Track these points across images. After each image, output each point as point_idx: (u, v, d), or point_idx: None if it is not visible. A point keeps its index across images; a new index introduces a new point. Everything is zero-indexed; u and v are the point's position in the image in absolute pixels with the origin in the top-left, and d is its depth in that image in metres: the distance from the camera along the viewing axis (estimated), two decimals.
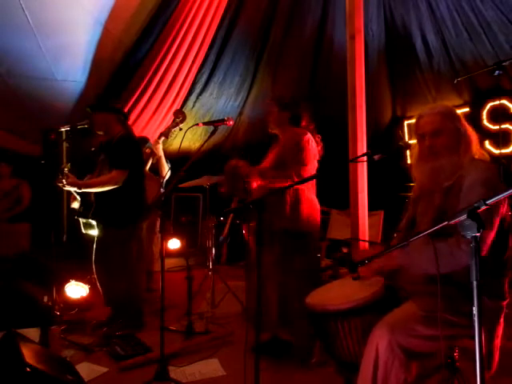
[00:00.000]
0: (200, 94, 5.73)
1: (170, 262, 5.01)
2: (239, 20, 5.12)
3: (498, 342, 1.64)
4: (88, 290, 3.63)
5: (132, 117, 4.99)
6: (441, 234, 1.51)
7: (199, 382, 2.47)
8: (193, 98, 5.72)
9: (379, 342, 1.56)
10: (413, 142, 1.96)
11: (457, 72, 5.26)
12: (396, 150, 2.10)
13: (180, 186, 4.00)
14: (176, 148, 5.86)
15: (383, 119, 6.61)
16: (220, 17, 4.88)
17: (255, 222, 2.91)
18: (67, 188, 3.18)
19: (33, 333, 2.52)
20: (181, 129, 4.01)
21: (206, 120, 5.89)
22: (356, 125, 3.39)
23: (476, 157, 1.75)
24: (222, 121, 2.63)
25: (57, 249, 3.49)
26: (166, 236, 5.44)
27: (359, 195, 3.40)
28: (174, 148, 5.93)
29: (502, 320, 1.66)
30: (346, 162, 2.97)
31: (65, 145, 4.35)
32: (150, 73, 4.88)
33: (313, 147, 2.71)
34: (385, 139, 6.49)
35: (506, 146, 5.07)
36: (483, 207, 1.12)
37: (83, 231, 3.38)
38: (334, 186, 3.89)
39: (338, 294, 1.87)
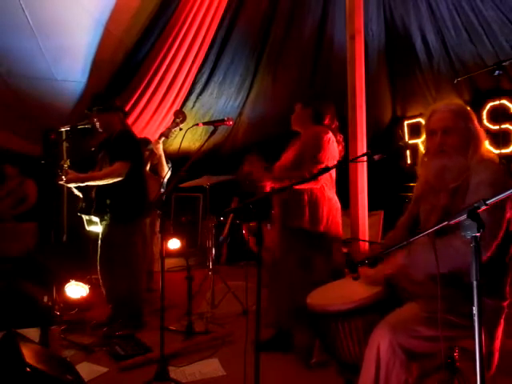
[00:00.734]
0: (200, 94, 5.73)
1: (169, 262, 5.00)
2: (239, 20, 5.12)
3: (498, 342, 1.63)
4: (88, 290, 3.63)
5: (132, 117, 4.99)
6: (444, 233, 1.51)
7: (199, 382, 2.47)
8: (193, 97, 5.71)
9: (380, 343, 1.55)
10: (412, 142, 1.96)
11: (457, 72, 5.26)
12: (396, 150, 2.11)
13: (180, 185, 4.00)
14: (176, 148, 5.85)
15: (383, 119, 6.61)
16: (220, 17, 4.88)
17: (272, 223, 2.92)
18: (69, 185, 3.18)
19: (33, 333, 2.51)
20: (181, 129, 4.01)
21: (206, 120, 5.89)
22: (356, 125, 3.39)
23: (485, 157, 1.72)
24: (222, 121, 2.63)
25: (57, 249, 3.49)
26: (165, 236, 5.43)
27: (359, 195, 3.40)
28: (173, 148, 5.92)
29: (502, 321, 1.66)
30: (346, 161, 2.97)
31: (65, 145, 4.35)
32: (151, 73, 4.88)
33: (333, 147, 2.68)
34: (385, 139, 6.49)
35: (506, 145, 5.07)
36: (483, 207, 1.12)
37: (86, 228, 3.38)
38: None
39: (339, 294, 1.87)
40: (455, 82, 4.30)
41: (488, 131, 5.23)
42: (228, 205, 5.40)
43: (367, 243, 3.39)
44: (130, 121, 4.52)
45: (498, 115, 5.06)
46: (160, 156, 4.13)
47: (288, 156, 2.81)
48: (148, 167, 4.15)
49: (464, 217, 1.12)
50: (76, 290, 3.62)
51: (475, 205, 1.12)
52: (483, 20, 4.70)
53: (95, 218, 3.25)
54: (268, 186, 2.71)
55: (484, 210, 1.12)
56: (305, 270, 2.61)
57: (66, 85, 4.79)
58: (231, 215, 5.49)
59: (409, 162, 6.24)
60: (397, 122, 6.56)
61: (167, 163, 4.23)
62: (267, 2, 5.05)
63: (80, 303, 3.60)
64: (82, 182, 3.16)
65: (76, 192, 3.34)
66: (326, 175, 2.67)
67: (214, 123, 2.64)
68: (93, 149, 3.52)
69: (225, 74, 5.62)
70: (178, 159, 4.27)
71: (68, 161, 3.14)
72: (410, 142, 6.25)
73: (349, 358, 1.73)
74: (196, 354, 2.80)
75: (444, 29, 5.04)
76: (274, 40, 5.44)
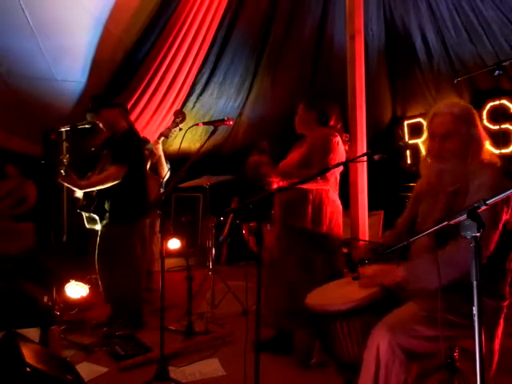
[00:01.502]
0: (200, 94, 5.73)
1: (169, 262, 5.00)
2: (239, 20, 5.12)
3: (497, 342, 1.64)
4: (88, 290, 3.63)
5: (132, 117, 4.98)
6: (442, 234, 1.51)
7: (199, 382, 2.47)
8: (193, 98, 5.71)
9: (380, 343, 1.55)
10: (412, 142, 1.96)
11: (457, 72, 5.26)
12: (396, 150, 2.11)
13: (180, 185, 4.00)
14: (176, 148, 5.85)
15: (383, 119, 6.61)
16: (220, 17, 4.88)
17: (273, 224, 2.92)
18: (67, 184, 3.17)
19: (33, 333, 2.51)
20: (180, 129, 4.01)
21: (206, 120, 5.89)
22: (356, 125, 3.39)
23: (486, 161, 1.70)
24: (222, 121, 2.62)
25: (57, 249, 3.49)
26: (165, 236, 5.43)
27: (359, 195, 3.40)
28: (173, 148, 5.92)
29: (502, 321, 1.66)
30: (346, 162, 2.97)
31: (65, 145, 4.35)
32: (151, 73, 4.87)
33: (340, 149, 2.70)
34: (385, 139, 6.49)
35: (506, 146, 5.07)
36: (483, 207, 1.12)
37: (86, 226, 3.38)
38: None
39: (338, 294, 1.87)
40: (455, 82, 4.29)
41: (488, 131, 5.23)
42: (228, 205, 5.40)
43: (367, 243, 3.39)
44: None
45: (498, 115, 5.06)
46: (160, 156, 4.13)
47: (293, 157, 2.81)
48: (148, 167, 4.14)
49: (464, 217, 1.12)
50: (76, 289, 3.62)
51: (475, 205, 1.12)
52: (483, 20, 4.70)
53: (95, 216, 3.25)
54: (275, 182, 2.70)
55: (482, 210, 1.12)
56: (305, 271, 2.61)
57: (65, 85, 4.79)
58: (231, 215, 5.49)
59: (409, 161, 6.25)
60: (397, 122, 6.56)
61: (166, 163, 4.23)
62: (267, 2, 5.05)
63: (80, 303, 3.60)
64: (81, 189, 3.17)
65: (79, 194, 3.34)
66: (332, 177, 2.68)
67: (214, 123, 2.64)
68: (93, 149, 3.52)
69: (225, 74, 5.62)
70: (177, 159, 4.27)
71: (67, 155, 3.13)
72: (410, 142, 6.26)
73: (348, 357, 1.73)
74: (196, 353, 2.80)
75: (444, 29, 5.04)
76: (274, 40, 5.43)
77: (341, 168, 2.72)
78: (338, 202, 2.79)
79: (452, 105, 1.78)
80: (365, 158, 2.11)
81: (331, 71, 5.66)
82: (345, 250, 3.26)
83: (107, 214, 3.17)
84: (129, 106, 4.89)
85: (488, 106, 5.33)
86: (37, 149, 5.33)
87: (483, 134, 1.76)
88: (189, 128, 3.10)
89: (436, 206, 1.75)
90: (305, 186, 2.60)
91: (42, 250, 4.83)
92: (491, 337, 1.61)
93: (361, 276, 1.84)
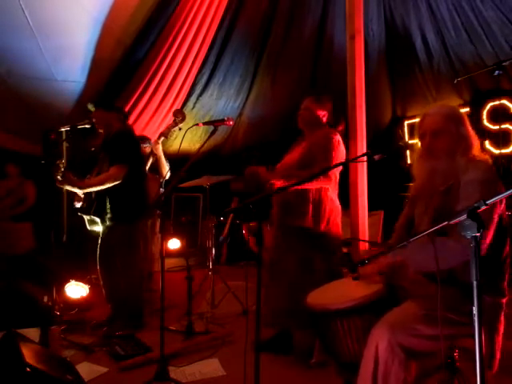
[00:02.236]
0: (200, 94, 5.73)
1: (170, 262, 5.01)
2: (239, 21, 5.12)
3: (499, 340, 1.63)
4: (88, 290, 3.63)
5: (132, 117, 4.99)
6: (441, 233, 1.52)
7: (199, 382, 2.47)
8: (193, 98, 5.71)
9: (379, 342, 1.56)
10: (412, 141, 1.97)
11: (457, 72, 5.27)
12: (396, 150, 2.10)
13: (180, 185, 4.00)
14: (176, 149, 5.85)
15: (383, 119, 6.61)
16: (220, 17, 4.88)
17: (269, 223, 2.92)
18: (66, 186, 3.18)
19: (33, 333, 2.51)
20: (180, 129, 4.01)
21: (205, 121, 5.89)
22: (356, 125, 3.39)
23: (475, 157, 1.73)
24: (222, 121, 2.62)
25: (57, 249, 3.49)
26: (166, 236, 5.44)
27: (359, 195, 3.40)
28: (173, 149, 5.93)
29: (502, 318, 1.66)
30: (346, 161, 2.97)
31: (65, 145, 4.36)
32: (150, 73, 4.88)
33: (341, 148, 2.71)
34: (385, 139, 6.49)
35: (506, 145, 5.07)
36: (483, 207, 1.12)
37: (88, 228, 3.38)
38: None
39: (338, 293, 1.87)
40: (455, 82, 4.30)
41: (488, 131, 5.24)
42: (228, 205, 5.40)
43: (367, 243, 3.39)
44: (129, 121, 4.51)
45: (498, 115, 5.07)
46: (160, 157, 4.13)
47: (292, 157, 2.81)
48: (148, 166, 4.14)
49: (464, 217, 1.12)
50: (76, 289, 3.62)
51: (475, 205, 1.12)
52: (483, 20, 4.70)
53: (96, 218, 3.25)
54: (277, 185, 2.70)
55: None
56: (305, 271, 2.61)
57: (65, 85, 4.79)
58: (231, 215, 5.49)
59: (409, 162, 6.24)
60: (397, 122, 6.56)
61: (166, 163, 4.22)
62: (267, 2, 5.05)
63: (80, 303, 3.60)
64: (80, 189, 3.17)
65: (79, 193, 3.34)
66: (333, 176, 2.68)
67: (214, 123, 2.64)
68: (93, 149, 3.53)
69: (225, 75, 5.62)
70: (177, 160, 4.27)
71: (63, 160, 3.14)
72: (410, 142, 6.26)
73: (348, 357, 1.73)
74: (196, 353, 2.80)
75: (444, 29, 5.04)
76: (274, 40, 5.43)
77: (340, 167, 2.72)
78: (337, 201, 2.80)
79: (441, 106, 1.86)
80: (365, 158, 2.11)
81: (331, 71, 5.66)
82: (345, 250, 3.26)
83: (108, 215, 3.17)
84: (128, 106, 4.90)
85: (488, 106, 5.34)
86: (37, 149, 5.33)
87: (473, 133, 1.79)
88: (189, 128, 3.10)
89: (430, 206, 1.77)
90: (307, 186, 2.60)
91: (41, 250, 4.83)
92: (491, 334, 1.62)
93: (361, 276, 1.84)
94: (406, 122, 6.39)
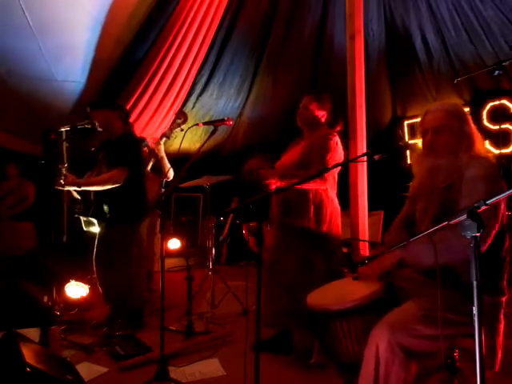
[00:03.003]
0: (200, 94, 5.73)
1: (169, 262, 5.00)
2: (239, 20, 5.12)
3: (500, 339, 1.63)
4: (88, 290, 3.63)
5: (132, 117, 4.98)
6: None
7: (199, 382, 2.47)
8: (193, 98, 5.71)
9: (379, 342, 1.55)
10: (412, 141, 1.97)
11: (457, 72, 5.27)
12: (396, 150, 2.10)
13: (180, 185, 4.00)
14: (176, 148, 5.86)
15: (383, 119, 6.61)
16: (220, 17, 4.88)
17: (269, 223, 2.92)
18: (67, 188, 3.19)
19: (33, 333, 2.51)
20: (182, 130, 4.01)
21: (205, 121, 5.89)
22: (356, 125, 3.40)
23: (477, 154, 1.72)
24: (222, 121, 2.62)
25: (57, 249, 3.49)
26: (165, 236, 5.43)
27: (359, 195, 3.40)
28: (174, 148, 5.93)
29: (501, 317, 1.66)
30: (346, 162, 2.97)
31: (65, 145, 4.35)
32: (150, 73, 4.87)
33: (339, 149, 2.70)
34: (385, 139, 6.49)
35: (506, 145, 5.07)
36: (483, 207, 1.11)
37: (84, 229, 3.38)
38: None
39: (338, 293, 1.87)
40: (455, 82, 4.30)
41: (488, 131, 5.24)
42: (228, 205, 5.40)
43: (367, 243, 3.39)
44: (130, 120, 4.52)
45: (498, 115, 5.07)
46: (162, 157, 4.13)
47: (290, 156, 2.81)
48: (149, 167, 4.14)
49: (464, 217, 1.12)
50: (76, 289, 3.61)
51: (475, 205, 1.12)
52: (483, 20, 4.71)
53: (93, 220, 3.25)
54: (273, 184, 2.70)
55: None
56: (305, 271, 2.61)
57: (65, 85, 4.79)
58: (231, 215, 5.49)
59: (409, 161, 6.24)
60: (397, 122, 6.56)
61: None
62: (267, 2, 5.05)
63: (80, 303, 3.60)
64: (80, 187, 3.17)
65: (75, 195, 3.35)
66: (330, 176, 2.68)
67: (214, 123, 2.63)
68: (93, 149, 3.52)
69: (225, 74, 5.62)
70: (177, 160, 4.27)
71: (66, 165, 3.14)
72: (410, 142, 6.26)
73: (348, 358, 1.73)
74: (196, 353, 2.80)
75: (444, 29, 5.05)
76: (274, 40, 5.43)
77: (339, 167, 2.72)
78: (336, 201, 2.80)
79: (443, 103, 1.84)
80: (365, 158, 2.11)
81: (331, 71, 5.66)
82: (345, 250, 3.26)
83: (106, 217, 3.17)
84: (128, 106, 4.89)
85: (488, 106, 5.34)
86: (37, 149, 5.34)
87: (475, 131, 1.78)
88: (189, 128, 3.10)
89: (431, 204, 1.76)
90: (303, 187, 2.60)
91: (42, 250, 4.83)
92: (492, 333, 1.61)
93: (361, 276, 1.84)
94: (406, 122, 6.38)
